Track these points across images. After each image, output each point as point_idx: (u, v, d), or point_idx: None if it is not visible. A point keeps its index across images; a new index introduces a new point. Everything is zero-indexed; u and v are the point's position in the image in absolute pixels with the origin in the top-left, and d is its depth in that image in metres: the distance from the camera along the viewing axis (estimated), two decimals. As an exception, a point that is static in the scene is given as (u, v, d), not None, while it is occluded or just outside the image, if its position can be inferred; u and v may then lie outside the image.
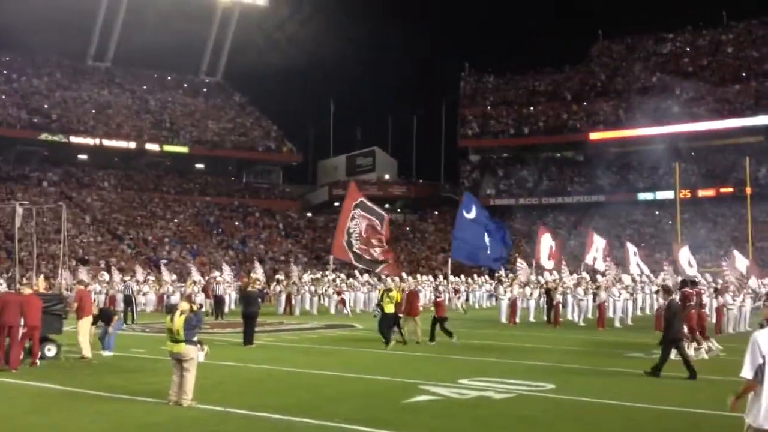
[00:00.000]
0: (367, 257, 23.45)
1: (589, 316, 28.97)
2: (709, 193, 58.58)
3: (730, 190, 57.30)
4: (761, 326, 6.41)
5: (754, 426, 5.80)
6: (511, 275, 34.87)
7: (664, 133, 61.97)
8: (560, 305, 28.72)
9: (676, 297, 16.95)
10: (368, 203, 25.35)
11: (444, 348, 19.57)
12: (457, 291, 38.46)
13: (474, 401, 11.97)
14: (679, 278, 26.40)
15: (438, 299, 22.42)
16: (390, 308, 20.16)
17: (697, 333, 18.09)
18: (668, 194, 56.79)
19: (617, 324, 27.41)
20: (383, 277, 32.66)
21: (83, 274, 34.13)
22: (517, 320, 28.99)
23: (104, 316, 18.06)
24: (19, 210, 18.80)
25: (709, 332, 20.58)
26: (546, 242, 36.99)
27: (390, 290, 21.20)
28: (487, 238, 27.15)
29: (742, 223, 50.52)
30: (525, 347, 20.22)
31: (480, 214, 27.85)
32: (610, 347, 20.18)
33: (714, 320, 24.93)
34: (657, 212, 60.06)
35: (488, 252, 27.45)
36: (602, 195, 63.19)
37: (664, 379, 14.31)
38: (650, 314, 30.10)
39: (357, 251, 23.21)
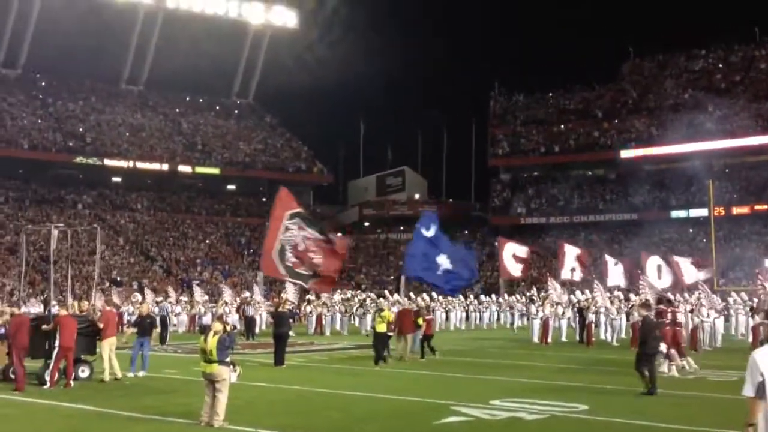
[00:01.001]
0: (302, 271, 20.68)
1: (623, 335, 28.64)
2: (744, 210, 57.77)
3: (765, 207, 56.50)
4: (761, 344, 6.29)
5: None
6: (543, 294, 34.61)
7: (697, 150, 61.32)
8: (593, 324, 28.43)
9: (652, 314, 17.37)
10: (309, 217, 22.51)
11: (476, 368, 19.44)
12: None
13: (506, 422, 11.87)
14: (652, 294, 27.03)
15: (427, 318, 23.63)
16: (382, 327, 20.97)
17: (671, 350, 18.23)
18: (702, 212, 56.09)
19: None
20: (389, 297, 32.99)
21: (116, 295, 34.46)
22: (549, 340, 28.74)
23: (143, 328, 17.73)
24: (55, 232, 18.98)
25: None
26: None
27: (382, 310, 22.05)
28: (443, 262, 24.11)
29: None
30: (557, 367, 20.02)
31: (439, 235, 25.20)
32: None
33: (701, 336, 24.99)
34: (691, 230, 59.36)
35: (441, 275, 24.19)
36: (635, 213, 62.59)
37: (697, 400, 14.09)
38: (685, 333, 29.65)
39: (290, 265, 20.48)
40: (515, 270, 34.70)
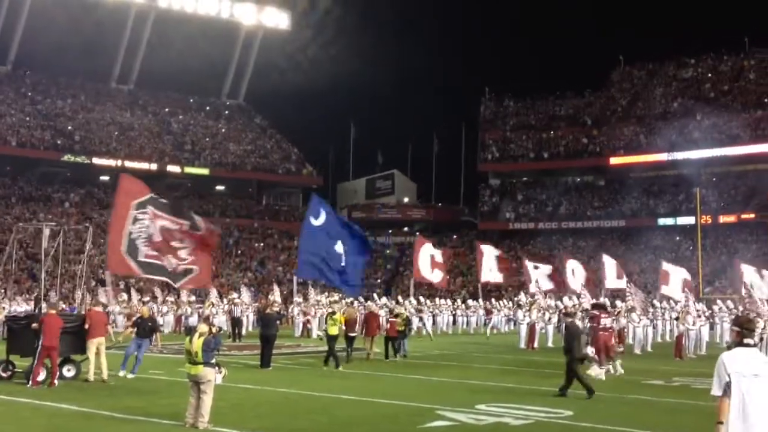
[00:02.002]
0: (164, 265, 17.98)
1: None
2: (731, 219, 58.08)
3: (752, 216, 56.81)
4: (729, 348, 6.72)
5: None
6: (530, 300, 34.67)
7: (685, 159, 61.66)
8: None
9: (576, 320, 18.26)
10: (164, 201, 19.17)
11: (462, 372, 19.45)
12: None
13: (491, 427, 11.88)
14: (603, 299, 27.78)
15: (391, 320, 24.29)
16: (334, 330, 21.08)
17: (602, 355, 18.92)
18: (689, 220, 56.36)
19: (637, 350, 27.16)
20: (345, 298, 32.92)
21: (102, 295, 34.32)
22: (536, 345, 28.80)
23: (143, 329, 17.54)
24: (46, 231, 18.60)
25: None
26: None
27: (334, 313, 22.11)
28: (340, 252, 21.36)
29: (763, 250, 50.05)
30: (543, 372, 20.05)
31: (331, 221, 22.25)
32: (629, 374, 19.97)
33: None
34: (678, 238, 59.62)
35: (339, 269, 21.54)
36: (622, 220, 62.86)
37: (683, 407, 14.14)
38: (670, 341, 29.81)
39: (146, 260, 17.82)
40: (431, 275, 33.31)
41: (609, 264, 35.91)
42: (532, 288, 34.79)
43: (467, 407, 13.39)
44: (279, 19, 74.05)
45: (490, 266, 36.62)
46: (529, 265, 37.07)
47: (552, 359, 24.15)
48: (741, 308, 29.66)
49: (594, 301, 27.25)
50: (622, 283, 35.81)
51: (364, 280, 36.95)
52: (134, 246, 17.85)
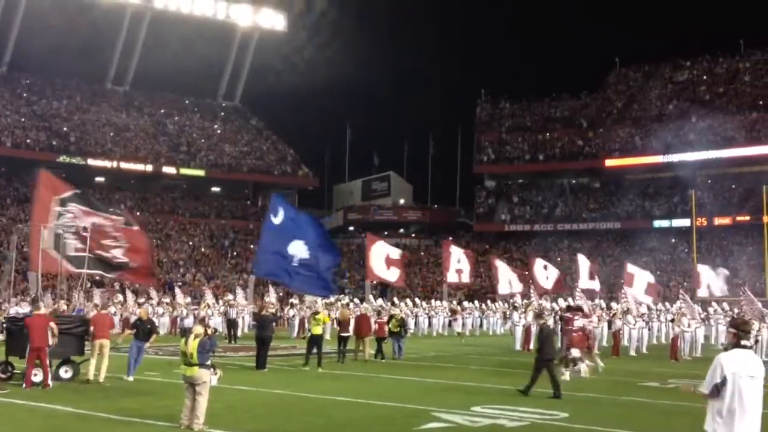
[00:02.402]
0: (98, 258, 17.33)
1: (604, 344, 28.75)
2: (726, 221, 58.18)
3: (747, 218, 56.92)
4: (725, 349, 6.80)
5: None
6: (525, 301, 34.69)
7: (680, 161, 61.79)
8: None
9: (550, 321, 19.21)
10: (91, 198, 18.63)
11: (457, 374, 19.46)
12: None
13: (487, 429, 11.89)
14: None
15: (379, 321, 24.92)
16: (317, 330, 21.16)
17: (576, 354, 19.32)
18: (684, 222, 56.52)
19: (632, 352, 27.19)
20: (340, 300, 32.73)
21: (98, 296, 34.29)
22: (531, 347, 28.77)
23: (142, 331, 17.39)
24: (44, 232, 18.17)
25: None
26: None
27: (317, 313, 22.24)
28: (298, 251, 19.92)
29: (759, 252, 50.14)
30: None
31: (290, 221, 20.75)
32: (625, 375, 20.01)
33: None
34: (673, 240, 59.71)
35: (293, 269, 20.12)
36: (618, 222, 62.94)
37: (677, 409, 14.16)
38: (666, 343, 29.85)
39: (75, 254, 17.12)
40: (386, 273, 32.18)
41: (583, 265, 35.78)
42: (503, 290, 34.86)
43: (463, 409, 13.40)
44: (275, 21, 74.04)
45: (456, 267, 36.12)
46: (500, 265, 36.81)
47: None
48: (737, 310, 29.77)
49: (584, 302, 27.35)
50: (595, 284, 35.84)
51: (363, 282, 36.44)
52: (60, 241, 17.39)
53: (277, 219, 20.55)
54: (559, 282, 36.35)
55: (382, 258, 31.93)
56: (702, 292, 34.95)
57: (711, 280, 35.56)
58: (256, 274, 27.56)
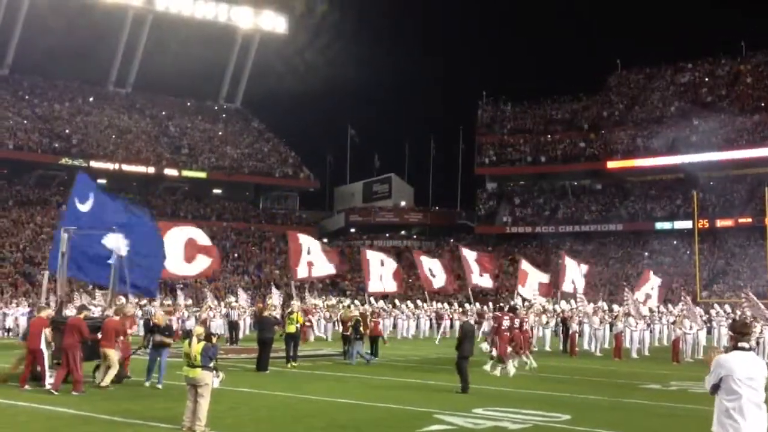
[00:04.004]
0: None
1: (606, 346, 28.74)
2: (728, 223, 58.14)
3: (749, 220, 56.87)
4: (726, 351, 6.90)
5: None
6: (526, 303, 34.63)
7: (682, 163, 61.78)
8: (576, 334, 28.51)
9: (471, 320, 19.89)
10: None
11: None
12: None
13: (489, 431, 11.88)
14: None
15: (375, 322, 25.32)
16: (291, 329, 21.61)
17: (505, 353, 20.09)
18: (686, 224, 56.45)
19: (634, 354, 27.18)
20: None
21: (101, 298, 34.23)
22: (533, 349, 28.76)
23: (160, 335, 16.67)
24: (64, 236, 17.82)
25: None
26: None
27: (292, 312, 22.44)
28: (112, 242, 16.75)
29: (761, 254, 50.08)
30: (540, 377, 20.06)
31: (102, 202, 17.60)
32: (627, 378, 20.00)
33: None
34: (675, 242, 59.68)
35: (97, 261, 17.20)
36: (620, 224, 62.91)
37: (680, 412, 14.16)
38: (667, 345, 29.83)
39: None
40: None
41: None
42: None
43: (465, 411, 13.39)
44: (276, 23, 74.15)
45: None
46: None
47: (550, 363, 24.17)
48: (739, 312, 29.72)
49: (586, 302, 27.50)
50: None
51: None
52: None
53: (85, 205, 17.47)
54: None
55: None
56: (567, 287, 34.69)
57: (576, 275, 35.25)
58: (49, 269, 20.88)
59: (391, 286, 33.54)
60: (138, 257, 16.98)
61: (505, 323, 20.70)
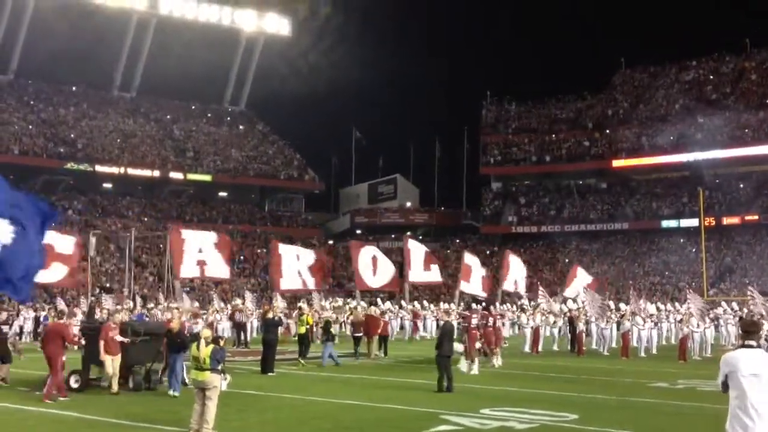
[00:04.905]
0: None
1: (614, 345, 28.68)
2: (734, 220, 57.99)
3: (756, 217, 56.73)
4: (734, 349, 6.97)
5: None
6: (533, 303, 34.57)
7: (687, 161, 61.65)
8: (584, 334, 28.44)
9: (451, 318, 19.88)
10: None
11: (465, 376, 19.42)
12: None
13: (496, 431, 11.85)
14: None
15: (384, 321, 26.46)
16: (302, 330, 22.94)
17: (472, 352, 20.39)
18: (693, 222, 56.30)
19: (641, 353, 27.10)
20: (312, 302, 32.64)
21: (108, 302, 34.29)
22: (540, 349, 28.74)
23: (175, 344, 15.73)
24: (93, 240, 17.85)
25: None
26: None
27: (302, 313, 23.93)
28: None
29: (767, 251, 50.02)
30: (548, 376, 20.02)
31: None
32: (634, 377, 19.94)
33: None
34: (681, 240, 59.56)
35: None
36: (626, 222, 62.80)
37: (689, 410, 14.10)
38: (675, 344, 29.75)
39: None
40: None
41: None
42: (513, 287, 34.45)
43: (472, 411, 13.36)
44: (280, 26, 74.19)
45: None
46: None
47: (557, 363, 24.14)
48: (746, 310, 29.65)
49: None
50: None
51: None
52: None
53: None
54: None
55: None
56: (508, 286, 34.26)
57: (518, 275, 34.75)
58: None
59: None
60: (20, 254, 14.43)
61: (474, 322, 21.28)
